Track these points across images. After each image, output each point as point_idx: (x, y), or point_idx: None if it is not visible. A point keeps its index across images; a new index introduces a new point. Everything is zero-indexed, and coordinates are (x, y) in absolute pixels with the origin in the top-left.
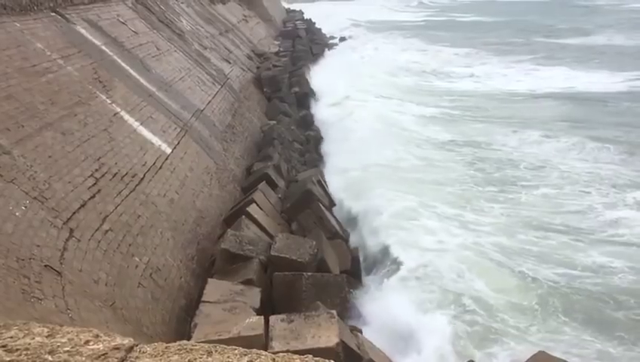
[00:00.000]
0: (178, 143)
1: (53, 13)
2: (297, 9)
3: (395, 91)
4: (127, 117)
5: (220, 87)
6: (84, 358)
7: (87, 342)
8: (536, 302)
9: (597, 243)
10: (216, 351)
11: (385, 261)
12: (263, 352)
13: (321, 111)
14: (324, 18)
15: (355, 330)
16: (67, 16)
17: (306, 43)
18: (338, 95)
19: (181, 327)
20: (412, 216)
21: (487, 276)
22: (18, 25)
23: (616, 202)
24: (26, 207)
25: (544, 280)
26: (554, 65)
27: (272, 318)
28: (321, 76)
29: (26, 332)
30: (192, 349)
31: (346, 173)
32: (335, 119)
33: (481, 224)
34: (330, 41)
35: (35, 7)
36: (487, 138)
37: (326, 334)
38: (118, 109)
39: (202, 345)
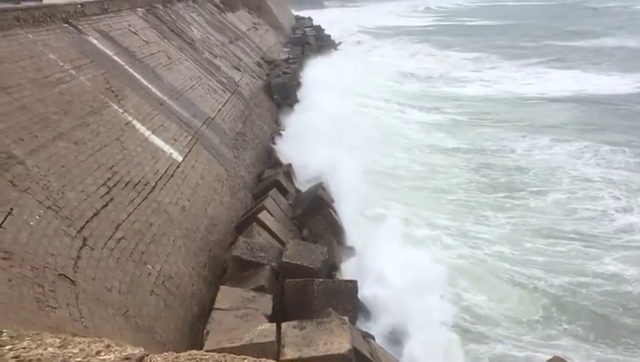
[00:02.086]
0: (189, 151)
1: (66, 25)
2: (306, 16)
3: (400, 97)
4: (138, 126)
5: (230, 94)
6: None
7: (98, 353)
8: (534, 311)
9: (611, 250)
10: (225, 360)
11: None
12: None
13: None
14: (332, 24)
15: (368, 337)
16: (79, 27)
17: (315, 49)
18: (337, 100)
19: (194, 335)
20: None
21: (480, 284)
22: (31, 36)
23: (631, 207)
24: (40, 216)
25: (548, 288)
26: (564, 68)
27: (284, 325)
28: (320, 76)
29: (39, 342)
30: (202, 359)
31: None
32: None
33: (483, 232)
34: (338, 47)
35: (48, 19)
36: (495, 143)
37: (338, 341)
38: (130, 118)
39: (212, 354)
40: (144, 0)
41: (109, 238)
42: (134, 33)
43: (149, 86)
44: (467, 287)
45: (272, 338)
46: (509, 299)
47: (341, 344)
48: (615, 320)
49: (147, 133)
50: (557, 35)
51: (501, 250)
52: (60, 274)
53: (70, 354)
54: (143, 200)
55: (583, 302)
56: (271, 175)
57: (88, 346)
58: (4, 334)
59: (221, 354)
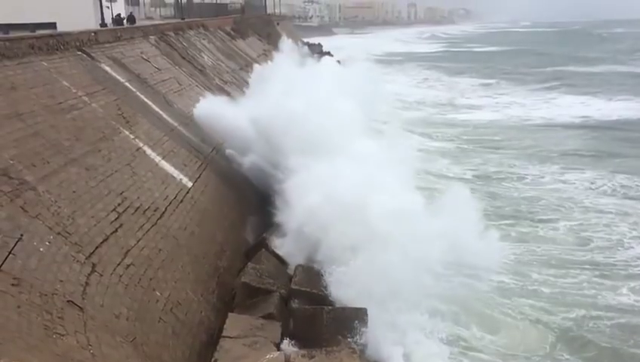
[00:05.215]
0: (199, 177)
1: (80, 52)
2: (316, 42)
3: (405, 123)
4: (149, 151)
5: None
6: None
7: None
8: (534, 344)
9: (628, 279)
10: None
11: None
12: None
13: None
14: (341, 50)
15: None
16: (93, 54)
17: None
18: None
19: None
20: None
21: (473, 316)
22: (45, 64)
23: None
24: (49, 242)
25: (553, 321)
26: (574, 94)
27: (293, 353)
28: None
29: None
30: None
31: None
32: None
33: (483, 262)
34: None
35: (62, 47)
36: (503, 170)
37: None
38: (141, 144)
39: None
40: (156, 28)
41: (118, 264)
42: (146, 60)
43: (160, 112)
44: (459, 320)
45: None
46: (506, 331)
47: None
48: (623, 352)
49: (157, 158)
50: (565, 61)
51: (503, 280)
52: (68, 301)
53: None
54: (153, 225)
55: (589, 334)
56: None
57: None
58: None
59: None
